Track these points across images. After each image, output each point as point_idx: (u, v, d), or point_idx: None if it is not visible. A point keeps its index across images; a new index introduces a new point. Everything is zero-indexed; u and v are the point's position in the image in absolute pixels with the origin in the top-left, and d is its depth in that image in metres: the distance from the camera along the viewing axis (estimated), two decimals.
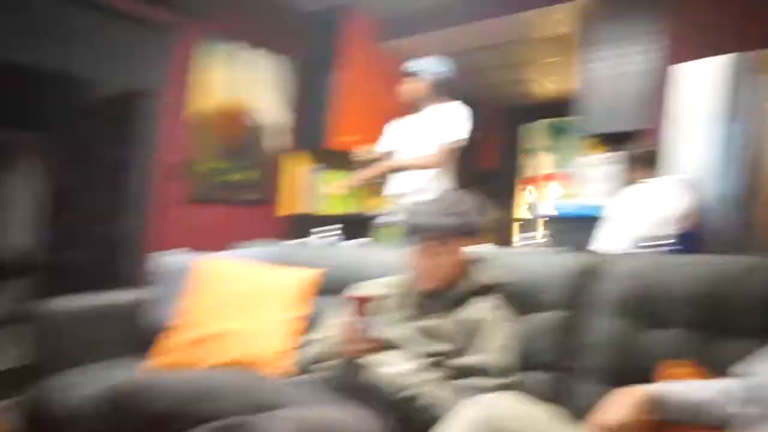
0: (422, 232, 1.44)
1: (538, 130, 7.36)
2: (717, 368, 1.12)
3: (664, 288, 1.30)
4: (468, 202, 1.49)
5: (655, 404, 0.99)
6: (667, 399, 1.00)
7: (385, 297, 1.56)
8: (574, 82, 3.66)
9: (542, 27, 3.96)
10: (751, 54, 2.64)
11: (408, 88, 2.91)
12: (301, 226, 4.06)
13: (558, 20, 3.79)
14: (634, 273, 1.36)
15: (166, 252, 2.10)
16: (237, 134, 3.72)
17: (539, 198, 6.76)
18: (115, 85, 4.14)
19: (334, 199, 4.33)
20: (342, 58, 4.07)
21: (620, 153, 2.22)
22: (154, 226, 3.32)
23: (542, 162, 7.77)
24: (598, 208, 3.22)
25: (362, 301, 1.27)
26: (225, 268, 1.92)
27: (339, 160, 4.46)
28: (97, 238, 4.29)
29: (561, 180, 3.66)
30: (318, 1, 4.00)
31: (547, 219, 3.58)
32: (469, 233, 1.45)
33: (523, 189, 7.00)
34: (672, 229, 1.70)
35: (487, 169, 6.81)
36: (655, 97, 3.19)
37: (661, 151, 2.78)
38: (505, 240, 6.20)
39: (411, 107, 2.97)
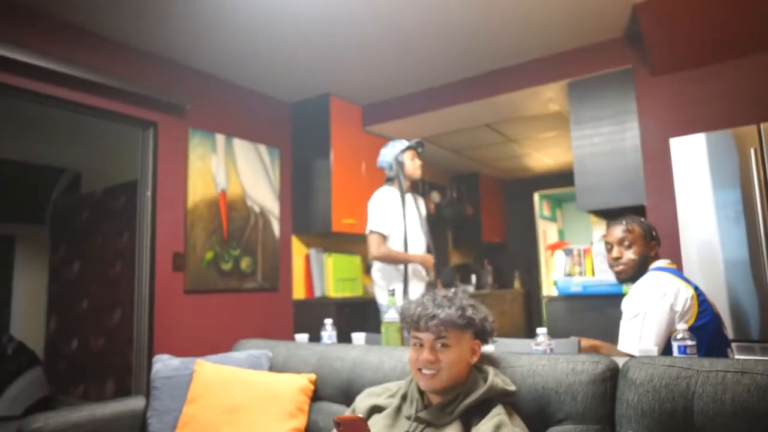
0: (417, 322, 1.36)
1: (540, 200, 7.36)
2: None
3: (696, 400, 1.16)
4: (466, 298, 1.42)
5: None
6: None
7: (381, 408, 1.46)
8: (567, 154, 3.68)
9: (533, 105, 4.03)
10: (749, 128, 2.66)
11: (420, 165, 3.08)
12: (307, 312, 4.00)
13: (548, 98, 3.87)
14: (658, 381, 1.22)
15: (168, 356, 2.00)
16: (234, 222, 3.70)
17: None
18: (107, 178, 4.22)
19: (340, 282, 4.26)
20: (330, 145, 4.14)
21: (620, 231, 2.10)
22: (155, 316, 3.23)
23: (546, 230, 7.75)
24: (606, 285, 3.14)
25: (353, 425, 1.15)
26: (225, 374, 1.82)
27: (340, 243, 4.45)
28: (98, 328, 4.21)
29: (565, 257, 3.56)
30: (300, 92, 4.12)
31: (546, 299, 3.47)
32: (467, 327, 1.36)
33: (551, 256, 6.79)
34: (679, 326, 1.59)
35: (492, 244, 6.75)
36: (646, 173, 3.21)
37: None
38: (525, 330, 6.04)
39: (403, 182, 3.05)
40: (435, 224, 3.09)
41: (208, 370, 1.82)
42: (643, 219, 2.13)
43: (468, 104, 3.98)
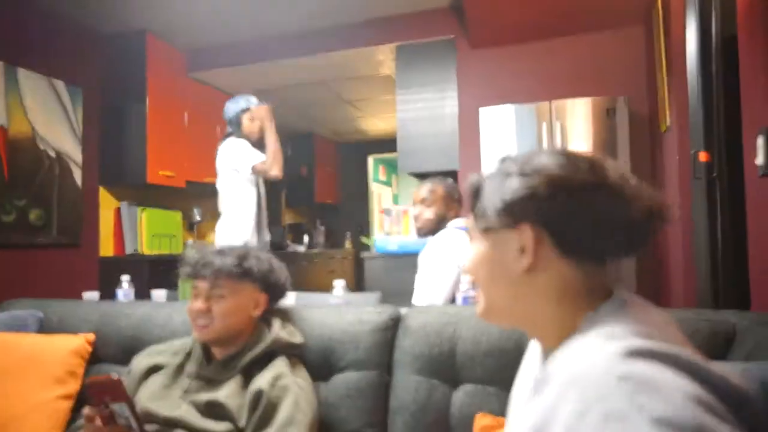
0: (193, 270, 1.28)
1: (375, 164, 7.57)
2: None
3: (458, 342, 1.26)
4: (247, 250, 1.36)
5: None
6: None
7: (161, 367, 1.36)
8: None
9: (366, 66, 4.06)
10: (545, 103, 2.96)
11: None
12: (115, 269, 3.61)
13: (379, 61, 3.92)
14: (430, 328, 1.31)
15: None
16: (19, 167, 3.17)
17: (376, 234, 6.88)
18: None
19: (156, 239, 3.93)
20: (146, 89, 3.74)
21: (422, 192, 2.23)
22: None
23: (381, 194, 8.03)
24: (420, 245, 3.33)
25: (105, 387, 1.04)
26: None
27: (156, 196, 4.10)
28: None
29: (386, 216, 3.70)
30: (112, 23, 3.63)
31: (365, 258, 3.60)
32: (245, 277, 1.31)
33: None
34: (463, 277, 1.73)
35: (326, 205, 6.80)
36: (461, 140, 3.44)
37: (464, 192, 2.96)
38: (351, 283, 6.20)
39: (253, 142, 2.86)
40: (268, 183, 2.95)
41: None
42: (451, 181, 2.26)
43: (301, 58, 3.87)
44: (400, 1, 3.41)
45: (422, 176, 3.73)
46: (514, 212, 0.67)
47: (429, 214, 2.13)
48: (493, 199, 0.69)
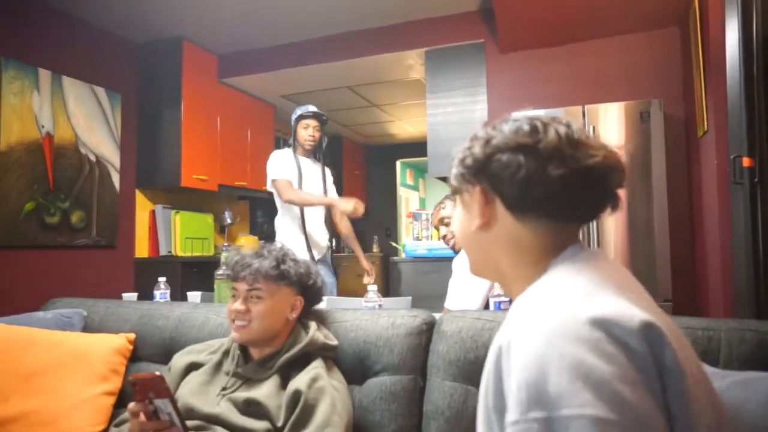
0: (232, 272, 1.32)
1: (402, 168, 7.58)
2: None
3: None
4: (286, 252, 1.39)
5: None
6: None
7: (199, 365, 1.39)
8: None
9: (395, 71, 4.08)
10: (577, 108, 2.93)
11: (317, 136, 2.93)
12: (150, 271, 3.71)
13: (409, 65, 3.94)
14: (466, 333, 1.30)
15: None
16: (63, 171, 3.29)
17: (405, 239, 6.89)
18: None
19: (189, 241, 4.01)
20: (181, 94, 3.83)
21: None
22: None
23: (408, 198, 8.04)
24: (449, 249, 3.33)
25: (148, 383, 1.08)
26: (22, 336, 1.60)
27: (189, 199, 4.19)
28: None
29: (414, 221, 3.71)
30: (149, 32, 3.74)
31: (395, 262, 3.61)
32: (281, 279, 1.33)
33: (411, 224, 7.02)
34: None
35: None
36: None
37: None
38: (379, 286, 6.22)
39: (305, 152, 2.95)
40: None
41: (0, 332, 1.60)
42: None
43: (330, 64, 3.91)
44: (429, 6, 3.42)
45: None
46: (467, 176, 0.74)
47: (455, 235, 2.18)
48: (455, 164, 0.77)
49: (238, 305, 1.30)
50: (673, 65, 3.07)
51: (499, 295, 1.69)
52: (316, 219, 2.94)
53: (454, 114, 3.55)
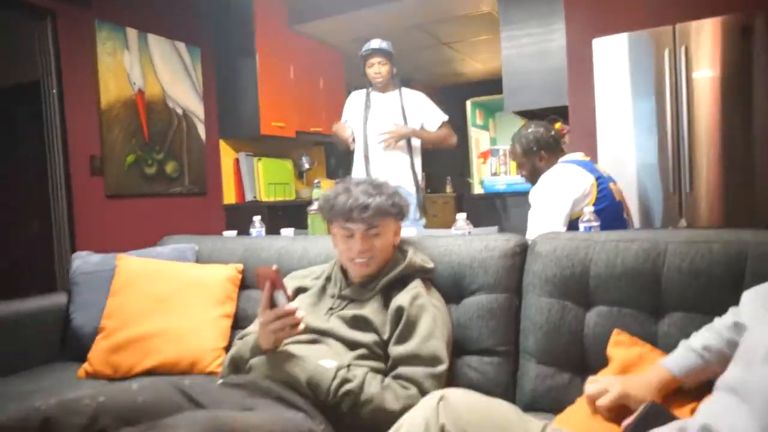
0: (347, 214, 1.36)
1: (473, 108, 7.42)
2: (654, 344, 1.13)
3: (591, 265, 1.28)
4: (390, 185, 1.45)
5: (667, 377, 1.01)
6: (671, 365, 1.02)
7: (306, 289, 1.51)
8: (500, 60, 3.69)
9: (464, 5, 3.95)
10: (666, 28, 2.74)
11: (383, 70, 2.96)
12: (238, 215, 3.95)
13: None
14: (561, 252, 1.33)
15: (88, 253, 1.95)
16: (155, 125, 3.51)
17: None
18: (4, 78, 3.83)
19: (271, 187, 4.22)
20: (255, 43, 3.92)
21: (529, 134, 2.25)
22: (76, 224, 3.09)
23: (478, 138, 7.90)
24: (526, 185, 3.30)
25: (267, 276, 1.22)
26: (149, 266, 1.80)
27: (268, 147, 4.36)
28: (19, 243, 3.99)
29: (492, 157, 3.68)
30: None
31: (475, 198, 3.62)
32: (396, 214, 1.40)
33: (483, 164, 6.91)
34: (585, 208, 1.73)
35: (424, 150, 6.81)
36: (569, 75, 3.27)
37: (577, 129, 2.87)
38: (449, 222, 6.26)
39: (378, 87, 3.00)
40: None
41: (131, 263, 1.80)
42: (526, 131, 2.25)
43: (399, 2, 3.84)
44: None
45: (528, 115, 3.64)
46: None
47: (524, 171, 2.28)
48: None
49: (361, 246, 1.35)
50: None
51: (589, 221, 1.68)
52: (382, 158, 2.96)
53: (529, 46, 3.43)
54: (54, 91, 3.02)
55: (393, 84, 3.02)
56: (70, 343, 1.79)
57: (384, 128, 2.91)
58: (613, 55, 2.84)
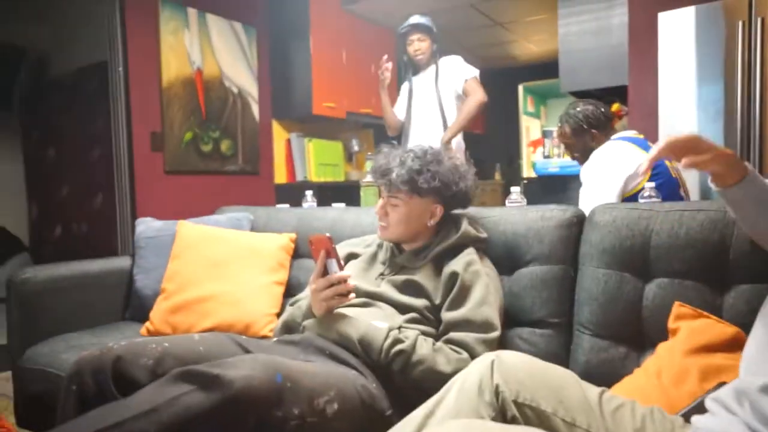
0: (376, 176, 1.40)
1: (524, 95, 7.26)
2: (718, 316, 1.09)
3: (652, 236, 1.24)
4: (439, 156, 1.42)
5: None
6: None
7: (357, 255, 1.53)
8: (555, 42, 3.58)
9: None
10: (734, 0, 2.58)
11: (423, 46, 2.95)
12: (289, 195, 4.03)
13: None
14: (620, 222, 1.29)
15: (151, 219, 2.05)
16: (212, 103, 3.61)
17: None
18: (76, 59, 4.02)
19: (321, 167, 4.28)
20: (309, 24, 3.97)
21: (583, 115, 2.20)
22: (136, 198, 3.24)
23: (529, 126, 7.72)
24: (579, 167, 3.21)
25: (320, 243, 1.25)
26: (207, 233, 1.87)
27: (319, 128, 4.41)
28: (81, 213, 4.23)
29: (544, 141, 3.59)
30: None
31: (527, 181, 3.56)
32: (416, 192, 1.34)
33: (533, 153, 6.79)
34: (645, 184, 1.67)
35: (472, 135, 6.73)
36: (630, 52, 3.14)
37: (637, 109, 2.75)
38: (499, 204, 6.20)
39: (416, 67, 3.02)
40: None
41: (190, 229, 1.87)
42: (577, 109, 2.21)
43: None
44: None
45: (584, 95, 3.52)
46: None
47: (575, 152, 2.26)
48: None
49: (379, 208, 1.40)
50: None
51: (650, 196, 1.63)
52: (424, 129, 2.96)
53: (589, 22, 3.31)
54: (120, 69, 3.15)
55: (433, 61, 2.98)
56: (133, 304, 1.88)
57: (422, 118, 2.96)
58: (679, 29, 2.71)
